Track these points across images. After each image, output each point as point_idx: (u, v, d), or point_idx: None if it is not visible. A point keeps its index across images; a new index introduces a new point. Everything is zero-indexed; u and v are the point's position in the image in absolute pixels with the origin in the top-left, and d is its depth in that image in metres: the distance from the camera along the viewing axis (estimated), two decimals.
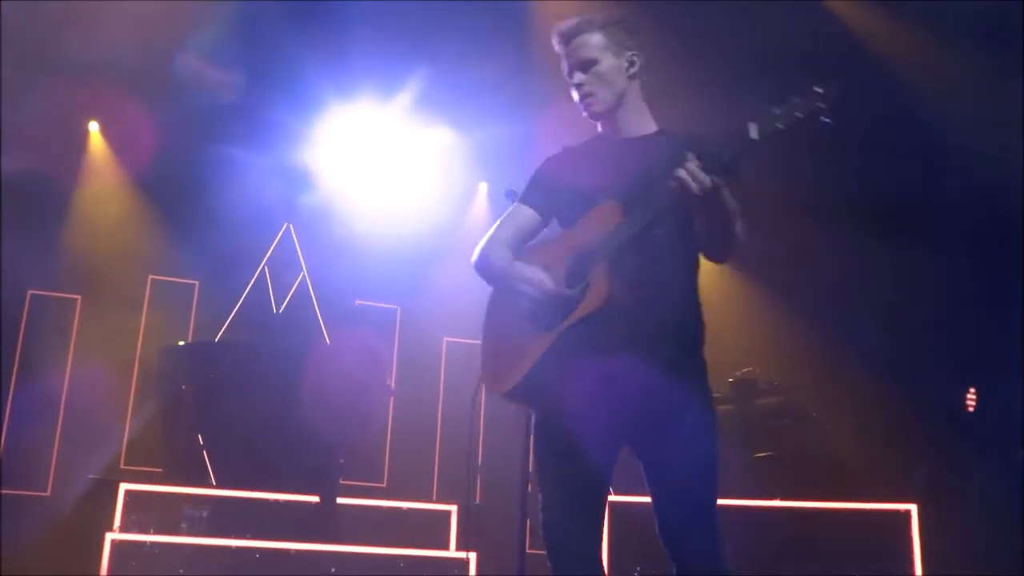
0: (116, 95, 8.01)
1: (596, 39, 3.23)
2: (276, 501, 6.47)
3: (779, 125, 2.88)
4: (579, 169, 3.25)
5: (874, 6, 7.67)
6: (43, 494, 7.90)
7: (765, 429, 7.31)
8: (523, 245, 3.30)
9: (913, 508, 6.15)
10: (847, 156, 7.67)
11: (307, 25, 7.55)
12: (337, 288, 8.95)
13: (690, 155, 2.90)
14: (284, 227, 9.01)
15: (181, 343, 8.20)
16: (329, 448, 6.94)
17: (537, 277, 3.10)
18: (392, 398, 8.84)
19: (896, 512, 6.21)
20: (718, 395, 8.08)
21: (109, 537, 6.01)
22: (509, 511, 8.36)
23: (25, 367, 8.14)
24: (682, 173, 2.87)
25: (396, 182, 9.05)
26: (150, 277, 8.65)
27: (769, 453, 7.14)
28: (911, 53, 7.53)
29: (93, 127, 8.72)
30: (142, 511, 6.37)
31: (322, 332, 8.79)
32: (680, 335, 3.08)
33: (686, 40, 7.16)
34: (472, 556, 6.37)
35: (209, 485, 6.94)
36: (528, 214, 3.32)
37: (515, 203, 3.38)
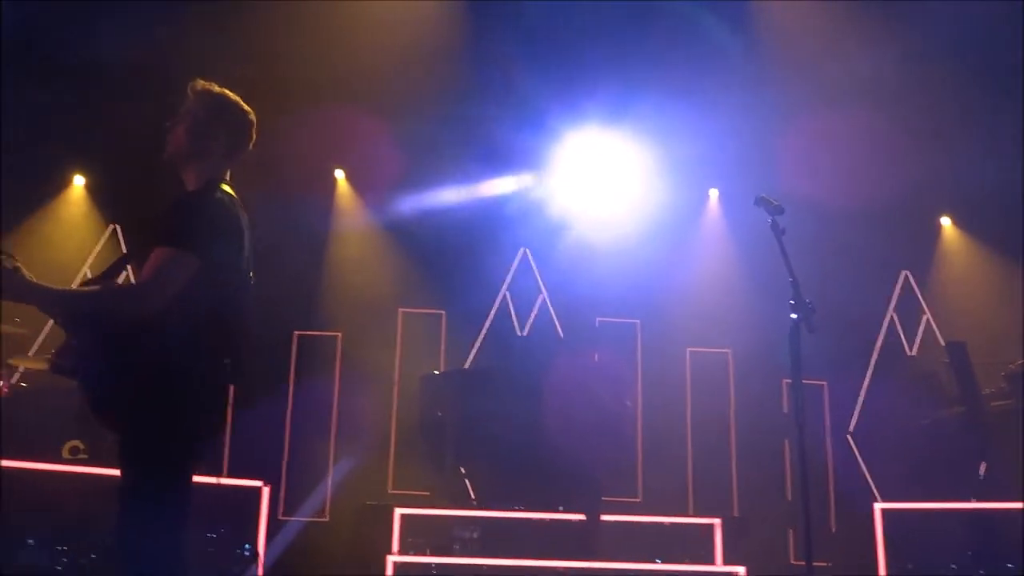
0: (360, 140, 8.55)
1: None
2: (541, 520, 6.61)
3: None
4: None
5: None
6: (323, 520, 8.44)
7: None
8: None
9: None
10: None
11: (540, 56, 7.84)
12: (577, 307, 9.08)
13: None
14: (521, 252, 9.26)
15: (436, 372, 8.57)
16: (588, 466, 7.02)
17: None
18: (639, 411, 8.86)
19: None
20: (992, 390, 7.60)
21: (390, 559, 6.36)
22: (772, 523, 8.27)
23: (298, 404, 8.74)
24: None
25: (626, 196, 9.10)
26: (400, 310, 9.08)
27: None
28: None
29: (339, 174, 9.29)
30: (416, 533, 6.70)
31: (564, 354, 8.91)
32: None
33: None
34: (741, 570, 6.27)
35: (475, 507, 7.20)
36: None
37: None
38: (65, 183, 8.97)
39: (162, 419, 3.25)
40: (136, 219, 8.22)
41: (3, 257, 3.15)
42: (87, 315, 3.26)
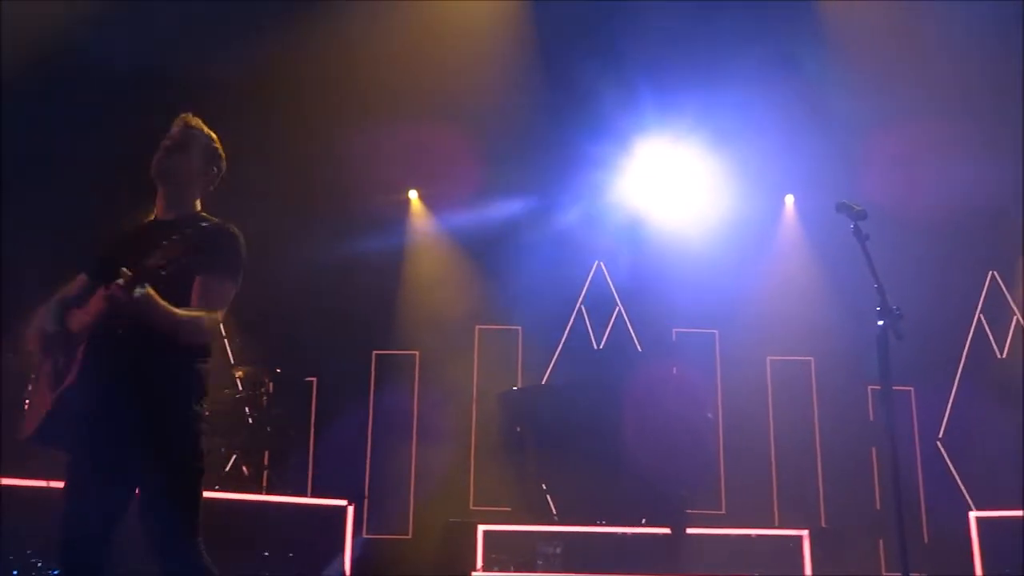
0: (433, 157, 8.62)
1: None
2: (625, 534, 6.56)
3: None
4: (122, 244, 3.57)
5: None
6: (405, 537, 8.50)
7: None
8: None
9: None
10: None
11: (612, 65, 7.86)
12: (653, 319, 9.03)
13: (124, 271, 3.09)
14: (595, 264, 9.24)
15: (514, 388, 8.58)
16: (671, 479, 6.96)
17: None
18: (720, 423, 8.76)
19: None
20: None
21: None
22: (861, 534, 8.08)
23: (378, 423, 8.83)
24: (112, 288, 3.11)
25: (700, 205, 9.01)
26: (477, 327, 9.13)
27: None
28: None
29: (412, 195, 9.39)
30: (499, 550, 6.70)
31: (642, 366, 8.84)
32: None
33: None
34: None
35: (557, 522, 7.17)
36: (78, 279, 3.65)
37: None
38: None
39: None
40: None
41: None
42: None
